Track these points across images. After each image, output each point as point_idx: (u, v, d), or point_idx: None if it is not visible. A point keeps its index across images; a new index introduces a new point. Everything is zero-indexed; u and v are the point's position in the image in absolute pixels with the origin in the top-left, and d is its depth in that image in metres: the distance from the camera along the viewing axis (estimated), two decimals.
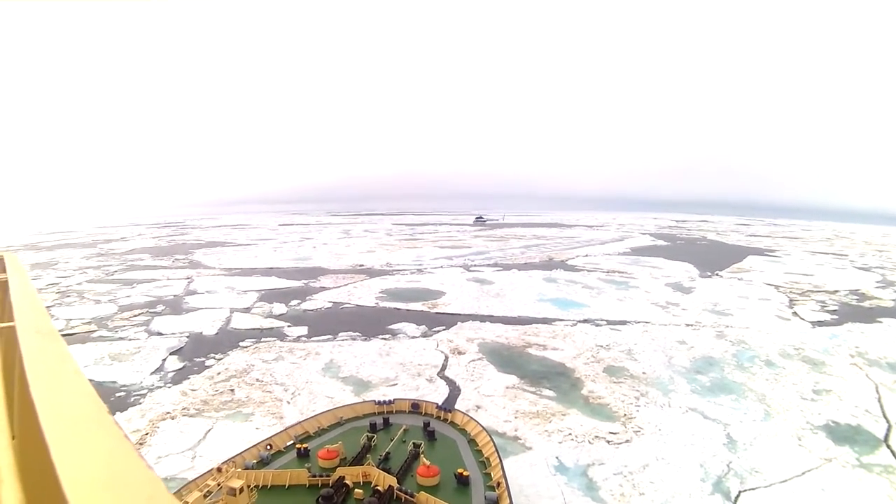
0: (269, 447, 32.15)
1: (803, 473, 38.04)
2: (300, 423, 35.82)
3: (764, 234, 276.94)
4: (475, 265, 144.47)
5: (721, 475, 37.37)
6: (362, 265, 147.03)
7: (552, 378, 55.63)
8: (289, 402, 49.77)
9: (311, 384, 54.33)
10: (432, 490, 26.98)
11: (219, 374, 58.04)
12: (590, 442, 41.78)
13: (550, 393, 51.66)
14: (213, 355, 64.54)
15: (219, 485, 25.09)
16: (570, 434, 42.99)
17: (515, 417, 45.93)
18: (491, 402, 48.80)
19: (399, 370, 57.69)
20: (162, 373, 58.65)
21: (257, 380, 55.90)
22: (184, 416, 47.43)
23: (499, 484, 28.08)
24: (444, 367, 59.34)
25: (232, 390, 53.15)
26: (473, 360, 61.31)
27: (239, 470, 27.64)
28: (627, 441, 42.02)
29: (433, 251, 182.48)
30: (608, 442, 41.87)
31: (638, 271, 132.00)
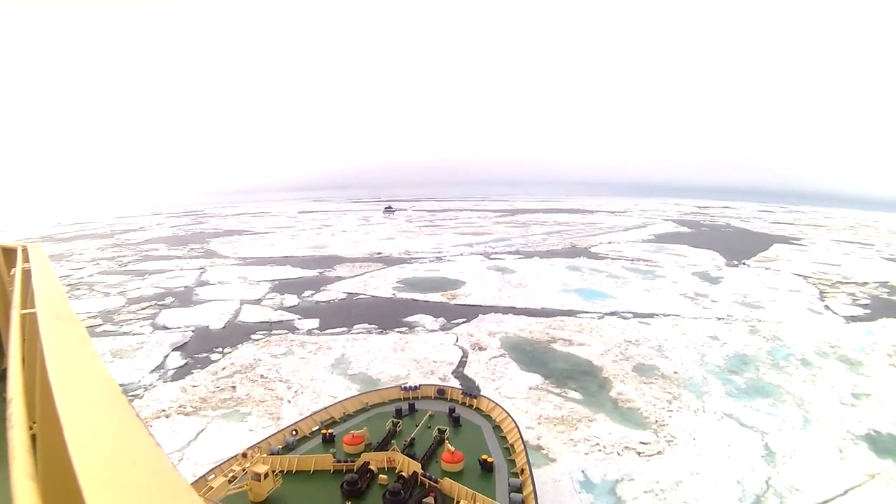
0: (294, 433, 32.23)
1: (846, 492, 34.73)
2: (326, 408, 35.97)
3: (787, 221, 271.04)
4: (496, 253, 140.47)
5: (760, 493, 34.03)
6: (380, 253, 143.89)
7: (578, 378, 52.05)
8: (289, 402, 47.43)
9: (316, 382, 51.77)
10: (456, 476, 26.99)
11: (223, 369, 55.92)
12: (619, 453, 38.27)
13: (577, 395, 48.09)
14: (218, 350, 62.00)
15: (244, 470, 25.61)
16: (597, 444, 39.50)
17: (539, 423, 42.44)
18: (513, 405, 45.08)
19: (412, 367, 54.49)
20: (163, 370, 56.26)
21: (261, 376, 53.63)
22: (179, 413, 45.59)
23: (522, 471, 27.97)
24: (462, 365, 56.00)
25: (234, 387, 51.06)
26: (495, 357, 57.81)
27: (264, 455, 27.89)
28: (659, 453, 38.45)
29: (453, 238, 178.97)
30: (639, 453, 38.35)
31: (663, 259, 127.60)
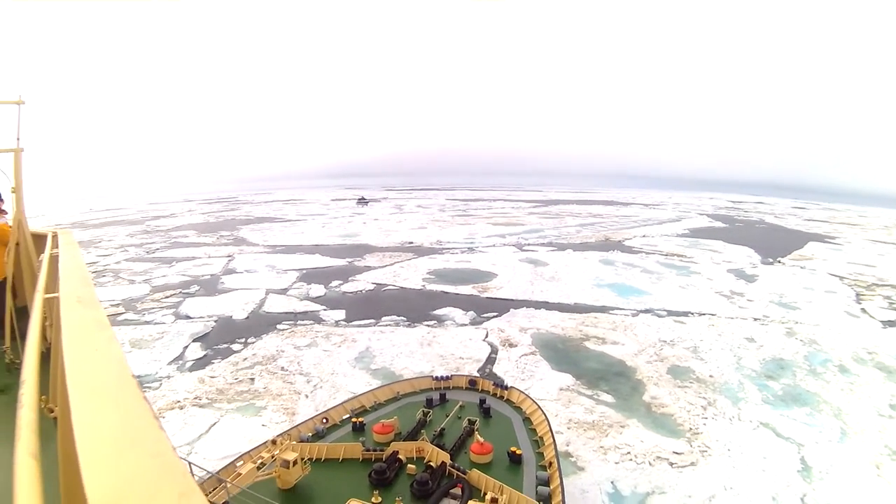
0: (324, 420, 31.96)
1: None
2: (357, 396, 35.85)
3: (821, 218, 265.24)
4: (529, 244, 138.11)
5: None
6: (411, 242, 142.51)
7: (611, 379, 50.12)
8: (307, 397, 46.05)
9: (337, 376, 50.30)
10: (484, 467, 26.47)
11: (244, 360, 54.77)
12: (650, 463, 36.21)
13: (609, 398, 46.11)
14: (240, 340, 60.92)
15: (273, 456, 25.51)
16: (628, 453, 37.49)
17: (568, 428, 40.52)
18: (542, 407, 43.50)
19: (438, 364, 52.56)
20: (181, 360, 55.23)
21: (282, 368, 52.40)
22: (194, 405, 44.61)
23: (551, 464, 27.32)
24: (491, 362, 54.17)
25: (252, 379, 49.92)
26: (525, 355, 55.81)
27: (294, 442, 27.47)
28: (693, 464, 36.30)
29: (486, 228, 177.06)
30: (671, 464, 36.27)
31: (698, 255, 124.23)
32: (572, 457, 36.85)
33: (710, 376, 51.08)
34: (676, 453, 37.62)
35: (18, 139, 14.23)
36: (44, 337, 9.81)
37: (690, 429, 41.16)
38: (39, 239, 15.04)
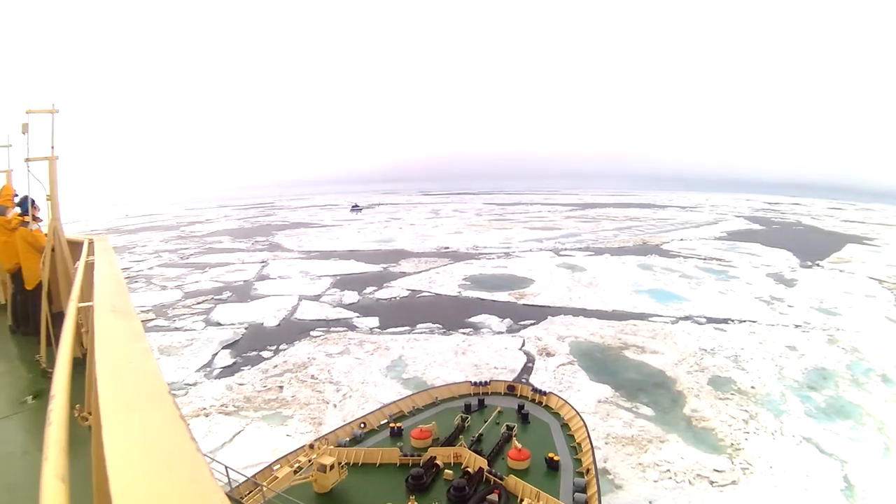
0: (363, 425, 31.83)
1: None
2: (395, 402, 35.66)
3: (858, 219, 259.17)
4: (566, 249, 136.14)
5: None
6: (447, 248, 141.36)
7: (650, 390, 48.59)
8: (335, 406, 45.60)
9: (367, 385, 49.66)
10: (522, 474, 26.06)
11: (274, 367, 54.52)
12: (690, 482, 34.83)
13: (648, 410, 44.66)
14: (271, 347, 60.55)
15: (310, 461, 25.40)
16: (668, 470, 36.15)
17: (606, 443, 39.26)
18: (580, 413, 42.31)
19: (472, 373, 51.21)
20: (210, 368, 55.06)
21: (312, 376, 51.85)
22: (220, 413, 44.48)
23: (588, 470, 27.04)
24: (527, 372, 53.09)
25: (281, 387, 49.62)
26: (563, 365, 54.45)
27: (331, 447, 27.41)
28: (734, 483, 34.83)
29: (523, 233, 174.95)
30: (712, 482, 34.88)
31: (736, 259, 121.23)
32: (610, 474, 35.70)
33: (752, 387, 49.39)
34: (717, 471, 36.26)
35: (53, 147, 14.28)
36: (80, 343, 10.72)
37: (732, 444, 39.63)
38: (75, 245, 14.96)
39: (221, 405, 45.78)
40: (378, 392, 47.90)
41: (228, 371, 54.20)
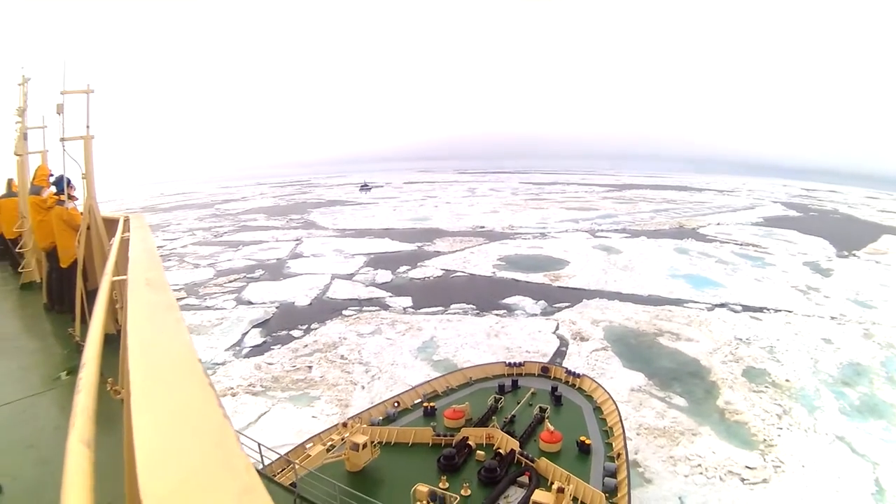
0: (396, 404, 32.38)
1: None
2: (429, 381, 36.13)
3: (895, 209, 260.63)
4: (602, 230, 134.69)
5: None
6: (483, 227, 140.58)
7: (684, 380, 47.91)
8: (363, 388, 45.62)
9: (396, 367, 49.54)
10: (553, 456, 26.42)
11: (305, 346, 54.59)
12: (721, 478, 34.20)
13: (681, 401, 43.96)
14: (302, 326, 60.72)
15: (343, 439, 25.77)
16: (699, 465, 35.50)
17: (638, 434, 38.69)
18: (613, 397, 41.66)
19: (503, 357, 49.15)
20: (239, 347, 55.36)
21: (342, 357, 51.87)
22: (247, 393, 44.80)
23: (619, 455, 27.20)
24: (560, 356, 52.61)
25: (309, 367, 49.64)
26: (596, 350, 53.86)
27: (364, 426, 27.51)
28: (765, 481, 34.08)
29: (559, 213, 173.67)
30: (743, 480, 34.17)
31: (773, 245, 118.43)
32: (640, 467, 35.16)
33: (787, 380, 48.41)
34: (749, 468, 35.51)
35: (88, 126, 14.40)
36: (115, 319, 11.04)
37: (764, 440, 38.86)
38: (111, 223, 14.76)
39: (249, 385, 45.97)
40: (407, 374, 47.79)
41: (258, 350, 54.37)
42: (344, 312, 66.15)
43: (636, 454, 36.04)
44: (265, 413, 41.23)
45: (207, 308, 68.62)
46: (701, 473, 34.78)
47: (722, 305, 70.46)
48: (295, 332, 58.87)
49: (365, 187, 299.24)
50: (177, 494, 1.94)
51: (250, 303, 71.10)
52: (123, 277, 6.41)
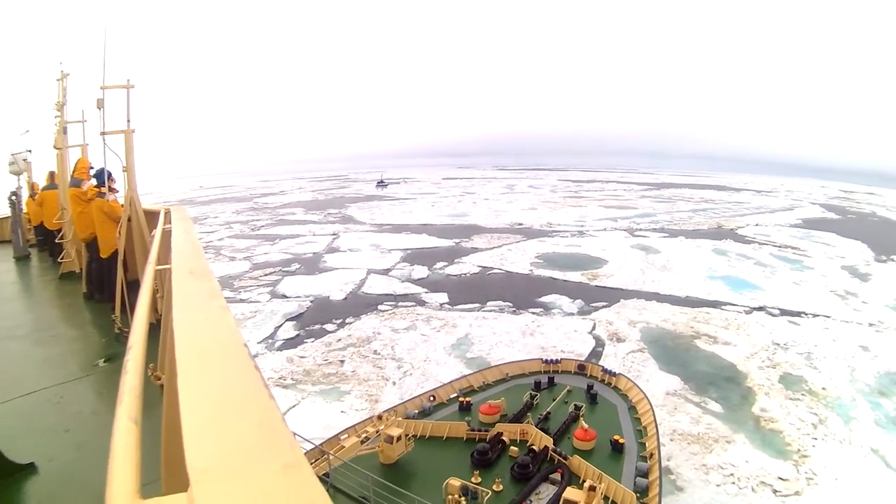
0: (432, 398, 32.40)
1: None
2: (466, 376, 36.28)
3: None
4: (640, 229, 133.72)
5: None
6: (521, 224, 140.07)
7: (720, 385, 47.16)
8: (394, 384, 45.73)
9: (429, 363, 49.45)
10: (586, 454, 26.12)
11: (338, 340, 54.90)
12: (753, 489, 33.56)
13: (716, 407, 43.29)
14: (336, 321, 61.08)
15: (377, 431, 25.91)
16: (732, 474, 34.92)
17: (671, 440, 38.16)
18: (648, 396, 41.28)
19: (537, 356, 46.99)
20: (272, 340, 55.87)
21: (374, 352, 52.11)
22: (277, 385, 45.04)
23: (651, 455, 26.73)
24: (595, 356, 51.97)
25: (342, 361, 49.91)
26: (633, 352, 53.29)
27: (399, 419, 27.90)
28: (797, 493, 33.42)
29: (597, 211, 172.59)
30: (775, 491, 33.49)
31: (811, 248, 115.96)
32: (672, 474, 34.74)
33: (823, 388, 47.35)
34: (782, 479, 34.79)
35: (129, 121, 14.96)
36: (154, 309, 10.34)
37: (798, 450, 38.06)
38: (152, 215, 15.46)
39: (280, 377, 46.24)
40: (439, 371, 47.70)
41: (290, 343, 54.70)
42: (379, 307, 66.30)
43: (669, 461, 35.53)
44: (294, 406, 41.50)
45: (242, 301, 69.30)
46: (733, 483, 34.25)
47: (760, 309, 69.34)
48: (329, 327, 59.05)
49: (381, 184, 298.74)
50: (221, 467, 2.00)
51: (285, 296, 71.45)
52: (167, 266, 6.39)
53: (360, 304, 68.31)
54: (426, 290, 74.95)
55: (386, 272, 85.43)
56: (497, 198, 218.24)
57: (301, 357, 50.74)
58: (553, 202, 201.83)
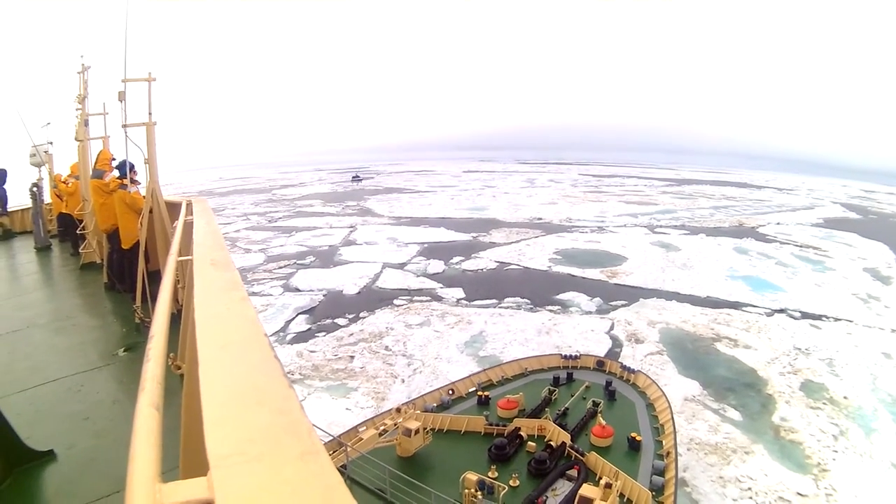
0: (451, 392, 32.74)
1: None
2: (485, 370, 36.68)
3: None
4: (661, 226, 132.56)
5: None
6: (540, 219, 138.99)
7: (740, 391, 46.25)
8: (403, 381, 45.18)
9: (440, 361, 48.88)
10: (603, 451, 26.35)
11: (350, 335, 54.46)
12: None
13: (735, 414, 42.36)
14: (349, 315, 60.67)
15: (395, 424, 25.89)
16: (749, 488, 33.93)
17: (689, 449, 37.31)
18: (666, 394, 39.46)
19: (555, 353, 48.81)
20: (282, 334, 55.64)
21: (386, 347, 51.58)
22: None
23: (668, 453, 27.26)
24: (612, 358, 47.26)
25: (351, 357, 49.38)
26: (651, 354, 52.51)
27: (418, 412, 28.41)
28: None
29: (617, 206, 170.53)
30: None
31: (833, 248, 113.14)
32: (688, 486, 33.88)
33: (845, 397, 46.18)
34: (800, 494, 33.86)
35: (150, 113, 15.15)
36: (175, 299, 10.14)
37: (818, 463, 37.07)
38: (174, 207, 15.77)
39: (288, 372, 43.96)
40: (450, 369, 47.27)
41: (301, 337, 54.49)
42: (394, 302, 65.96)
43: (685, 471, 34.68)
44: (300, 401, 40.55)
45: (254, 294, 68.48)
46: (751, 497, 33.40)
47: (781, 311, 68.20)
48: (340, 321, 58.83)
49: (356, 178, 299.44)
50: (240, 453, 2.00)
51: (297, 290, 71.28)
52: (188, 258, 6.43)
53: (373, 298, 67.94)
54: (442, 285, 74.42)
55: (402, 266, 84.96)
56: (517, 192, 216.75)
57: (311, 352, 50.52)
58: (573, 197, 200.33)
